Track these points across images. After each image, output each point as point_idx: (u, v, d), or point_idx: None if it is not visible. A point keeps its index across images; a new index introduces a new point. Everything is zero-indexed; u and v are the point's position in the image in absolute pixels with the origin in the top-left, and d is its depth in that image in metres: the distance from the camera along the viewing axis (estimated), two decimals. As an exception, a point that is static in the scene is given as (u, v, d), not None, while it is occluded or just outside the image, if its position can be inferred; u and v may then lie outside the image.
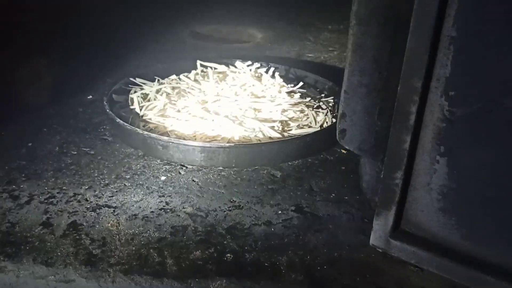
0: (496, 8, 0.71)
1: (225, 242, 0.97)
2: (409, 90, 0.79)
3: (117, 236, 0.97)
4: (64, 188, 1.11)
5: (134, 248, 0.94)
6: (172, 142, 1.20)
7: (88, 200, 1.07)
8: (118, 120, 1.28)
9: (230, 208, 1.07)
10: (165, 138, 1.21)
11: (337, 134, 1.07)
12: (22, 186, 1.11)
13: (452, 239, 0.86)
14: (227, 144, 1.20)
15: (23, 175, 1.15)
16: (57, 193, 1.09)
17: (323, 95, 1.57)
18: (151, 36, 2.22)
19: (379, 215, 0.90)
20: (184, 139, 1.25)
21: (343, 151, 1.31)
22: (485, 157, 0.78)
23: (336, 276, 0.90)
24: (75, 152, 1.26)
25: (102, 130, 1.38)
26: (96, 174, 1.17)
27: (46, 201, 1.06)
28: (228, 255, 0.94)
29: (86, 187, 1.11)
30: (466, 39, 0.74)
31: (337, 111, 1.44)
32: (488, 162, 0.78)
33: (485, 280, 0.81)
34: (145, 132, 1.23)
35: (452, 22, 0.74)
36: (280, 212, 1.07)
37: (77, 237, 0.96)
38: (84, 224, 1.00)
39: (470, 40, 0.74)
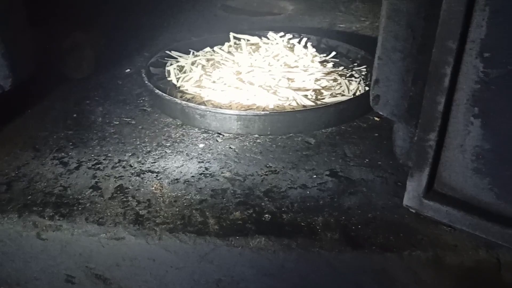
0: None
1: (263, 204, 1.01)
2: (444, 52, 0.80)
3: (161, 198, 1.03)
4: (109, 155, 1.17)
5: (177, 209, 1.00)
6: (210, 111, 1.24)
7: (132, 166, 1.13)
8: (157, 91, 1.33)
9: (266, 173, 1.11)
10: (203, 107, 1.26)
11: (370, 100, 1.09)
12: (70, 153, 1.18)
13: (485, 199, 0.88)
14: (263, 112, 1.24)
15: (70, 143, 1.22)
16: (103, 159, 1.15)
17: (355, 64, 1.58)
18: (183, 10, 2.25)
19: (412, 176, 0.93)
20: (220, 108, 1.29)
21: (376, 118, 1.33)
22: (519, 117, 0.79)
23: (371, 235, 0.94)
24: (117, 122, 1.32)
25: (141, 101, 1.43)
26: (138, 142, 1.22)
27: (93, 167, 1.13)
28: (266, 215, 0.98)
29: (130, 154, 1.17)
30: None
31: (370, 80, 1.46)
32: (523, 122, 0.79)
33: (518, 237, 0.84)
34: (184, 102, 1.28)
35: (487, -17, 0.75)
36: (315, 176, 1.10)
37: (124, 199, 1.02)
38: (130, 187, 1.06)
39: (506, 0, 0.75)
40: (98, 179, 1.08)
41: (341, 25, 2.11)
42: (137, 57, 1.74)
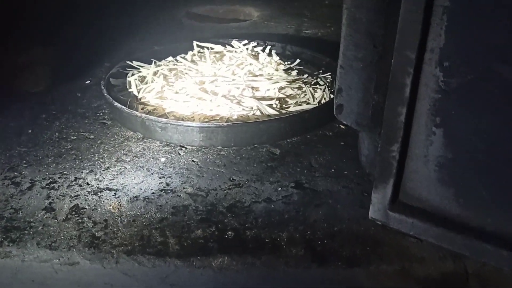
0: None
1: (226, 220, 0.98)
2: (403, 62, 0.79)
3: (119, 218, 0.98)
4: (65, 173, 1.12)
5: (136, 229, 0.95)
6: (171, 124, 1.20)
7: (89, 184, 1.08)
8: (116, 103, 1.28)
9: (230, 187, 1.08)
10: (164, 120, 1.21)
11: (334, 109, 1.07)
12: (23, 172, 1.12)
13: (450, 209, 0.86)
14: (226, 124, 1.21)
15: (24, 161, 1.16)
16: (58, 178, 1.10)
17: (320, 71, 1.56)
18: (147, 18, 2.20)
19: (377, 188, 0.91)
20: (182, 120, 1.25)
21: (341, 126, 1.31)
22: (480, 127, 0.78)
23: (337, 249, 0.91)
24: (75, 137, 1.26)
25: (101, 114, 1.38)
26: (96, 158, 1.17)
27: (47, 186, 1.07)
28: (229, 232, 0.95)
29: (87, 171, 1.12)
30: (459, 8, 0.74)
31: (335, 87, 1.44)
32: (484, 131, 0.78)
33: (484, 248, 0.82)
34: (144, 115, 1.23)
35: (444, -9, 0.74)
36: (279, 189, 1.07)
37: (80, 220, 0.97)
38: (86, 207, 1.01)
39: (463, 9, 0.74)
40: (52, 200, 1.03)
41: (307, 31, 2.10)
42: (97, 68, 1.68)
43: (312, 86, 1.43)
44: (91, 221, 0.97)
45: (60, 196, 1.04)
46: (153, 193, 1.05)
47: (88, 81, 1.59)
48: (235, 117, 1.27)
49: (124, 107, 1.27)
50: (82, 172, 1.12)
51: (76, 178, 1.10)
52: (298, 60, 1.58)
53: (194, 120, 1.27)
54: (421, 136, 0.84)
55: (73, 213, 0.99)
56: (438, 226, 0.86)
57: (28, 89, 1.49)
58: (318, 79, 1.48)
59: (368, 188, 1.07)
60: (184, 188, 1.07)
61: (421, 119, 0.83)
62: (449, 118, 0.80)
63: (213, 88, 1.39)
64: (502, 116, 0.75)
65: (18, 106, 1.41)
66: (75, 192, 1.05)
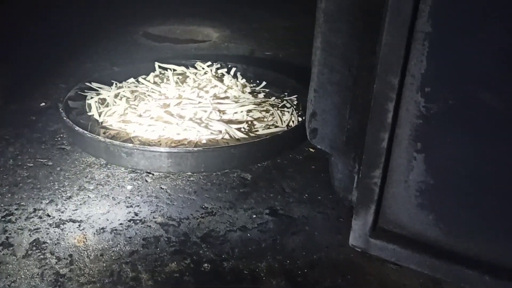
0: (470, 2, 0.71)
1: (201, 252, 0.93)
2: (386, 87, 0.78)
3: (86, 253, 0.91)
4: (22, 203, 1.03)
5: (104, 264, 0.89)
6: (137, 149, 1.14)
7: (50, 216, 1.00)
8: (77, 128, 1.21)
9: (202, 215, 1.03)
10: (130, 145, 1.15)
11: (308, 133, 1.05)
12: (-25, 204, 1.03)
13: (431, 235, 0.86)
14: (196, 149, 1.16)
15: (-25, 192, 1.07)
16: (15, 209, 1.02)
17: (285, 93, 1.55)
18: (103, 37, 2.13)
19: (358, 214, 0.89)
20: (149, 145, 1.20)
21: (311, 149, 1.30)
22: (461, 152, 0.78)
23: (318, 279, 0.88)
24: (31, 164, 1.18)
25: (59, 139, 1.30)
26: (56, 187, 1.10)
27: (3, 219, 0.99)
28: (206, 265, 0.90)
29: (47, 202, 1.05)
30: (440, 34, 0.74)
31: (302, 110, 1.44)
32: (465, 157, 0.78)
33: (466, 274, 0.82)
34: (108, 140, 1.17)
35: (426, 18, 0.74)
36: (254, 216, 1.04)
37: (42, 256, 0.90)
38: (48, 241, 0.93)
39: (445, 35, 0.74)
40: (10, 234, 0.95)
41: (267, 52, 2.10)
42: (53, 89, 1.59)
43: (279, 108, 1.42)
44: (54, 257, 0.90)
45: (18, 230, 0.96)
46: (121, 224, 0.99)
47: (43, 103, 1.50)
48: (204, 141, 1.23)
49: (86, 132, 1.20)
50: (41, 203, 1.04)
51: (35, 209, 1.02)
52: (264, 83, 1.56)
53: (160, 144, 1.22)
54: (402, 161, 0.83)
55: (34, 248, 0.91)
56: (419, 252, 0.86)
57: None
58: (284, 102, 1.47)
59: (343, 213, 1.06)
60: (154, 217, 1.02)
61: (402, 145, 0.82)
62: (430, 143, 0.80)
63: (179, 111, 1.35)
64: (483, 142, 0.76)
65: (-35, 131, 1.31)
66: (34, 225, 0.97)
